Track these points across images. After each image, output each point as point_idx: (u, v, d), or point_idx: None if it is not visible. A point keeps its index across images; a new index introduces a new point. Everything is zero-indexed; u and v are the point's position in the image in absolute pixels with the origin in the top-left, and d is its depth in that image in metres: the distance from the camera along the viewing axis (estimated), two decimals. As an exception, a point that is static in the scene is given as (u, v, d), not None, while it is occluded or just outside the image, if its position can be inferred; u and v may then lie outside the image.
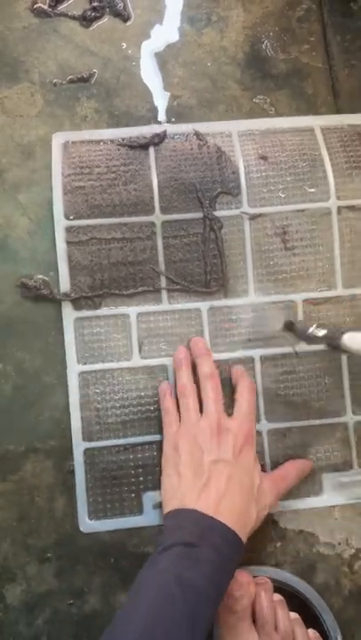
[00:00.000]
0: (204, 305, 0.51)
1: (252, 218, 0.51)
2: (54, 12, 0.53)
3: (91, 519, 0.49)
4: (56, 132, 0.51)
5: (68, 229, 0.50)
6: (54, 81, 0.52)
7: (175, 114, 0.53)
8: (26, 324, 0.50)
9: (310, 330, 0.47)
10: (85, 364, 0.50)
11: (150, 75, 0.53)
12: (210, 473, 0.44)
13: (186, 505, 0.43)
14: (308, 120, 0.53)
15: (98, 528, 0.49)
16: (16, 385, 0.49)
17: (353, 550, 0.50)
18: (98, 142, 0.51)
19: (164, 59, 0.54)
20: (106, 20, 0.54)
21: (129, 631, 0.36)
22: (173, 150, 0.51)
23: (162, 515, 0.46)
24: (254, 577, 0.46)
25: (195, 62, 0.54)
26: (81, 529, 0.49)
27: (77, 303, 0.50)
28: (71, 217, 0.50)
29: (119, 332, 0.50)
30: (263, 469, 0.48)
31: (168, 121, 0.53)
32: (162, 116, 0.53)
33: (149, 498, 0.49)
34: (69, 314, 0.50)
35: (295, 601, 0.47)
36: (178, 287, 0.50)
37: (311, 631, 0.45)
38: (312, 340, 0.47)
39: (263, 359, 0.51)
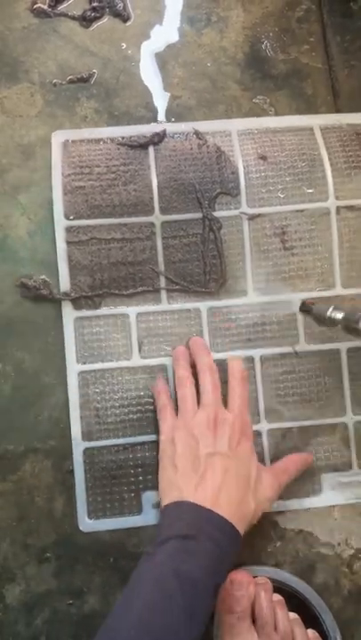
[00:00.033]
0: (203, 305, 0.51)
1: (251, 218, 0.51)
2: (54, 12, 0.53)
3: (90, 519, 0.49)
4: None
5: (68, 229, 0.50)
6: (54, 81, 0.52)
7: (175, 114, 0.53)
8: (25, 323, 0.50)
9: (329, 311, 0.45)
10: (85, 363, 0.50)
11: (150, 75, 0.53)
12: (206, 465, 0.44)
13: (183, 497, 0.43)
14: (307, 119, 0.53)
15: (97, 527, 0.49)
16: (16, 385, 0.49)
17: (352, 550, 0.50)
18: (98, 142, 0.51)
19: (163, 59, 0.54)
20: (106, 20, 0.54)
21: (126, 623, 0.36)
22: (173, 150, 0.52)
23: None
24: (254, 577, 0.46)
25: (194, 62, 0.54)
26: (80, 528, 0.49)
27: (77, 303, 0.50)
28: (71, 217, 0.50)
29: (119, 332, 0.50)
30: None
31: (168, 121, 0.53)
32: (161, 117, 0.53)
33: (149, 497, 0.49)
34: (69, 313, 0.50)
35: (295, 601, 0.47)
36: (177, 287, 0.50)
37: (311, 631, 0.45)
38: (330, 322, 0.45)
39: (263, 359, 0.51)
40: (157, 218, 0.51)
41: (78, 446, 0.49)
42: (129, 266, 0.50)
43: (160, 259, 0.51)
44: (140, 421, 0.50)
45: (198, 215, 0.51)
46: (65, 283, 0.50)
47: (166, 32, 0.54)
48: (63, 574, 0.48)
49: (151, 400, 0.50)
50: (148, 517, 0.49)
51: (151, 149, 0.51)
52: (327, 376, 0.51)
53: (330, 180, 0.51)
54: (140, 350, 0.50)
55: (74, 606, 0.48)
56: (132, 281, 0.50)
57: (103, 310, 0.50)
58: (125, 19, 0.54)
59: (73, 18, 0.53)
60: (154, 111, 0.53)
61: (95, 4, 0.53)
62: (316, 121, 0.53)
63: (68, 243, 0.50)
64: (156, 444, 0.49)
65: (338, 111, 0.54)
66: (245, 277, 0.51)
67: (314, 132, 0.53)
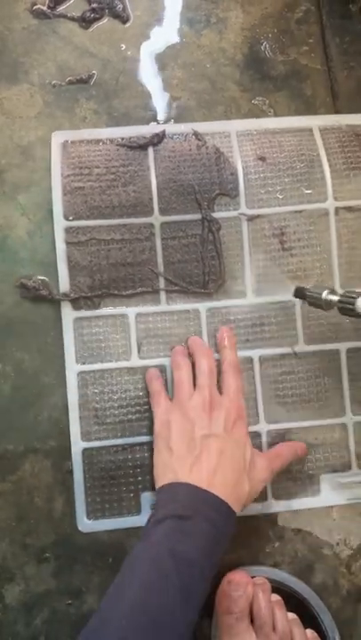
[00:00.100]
0: (202, 306, 0.51)
1: (250, 219, 0.51)
2: (53, 13, 0.53)
3: (89, 519, 0.49)
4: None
5: (68, 230, 0.50)
6: (53, 82, 0.53)
7: (174, 115, 0.53)
8: (25, 324, 0.50)
9: (324, 295, 0.45)
10: (84, 363, 0.50)
11: (149, 76, 0.53)
12: (202, 447, 0.44)
13: (179, 479, 0.43)
14: (306, 120, 0.53)
15: (96, 528, 0.49)
16: (15, 385, 0.50)
17: (351, 551, 0.50)
18: (97, 142, 0.51)
19: (163, 60, 0.54)
20: (105, 21, 0.54)
21: (122, 603, 0.36)
22: (172, 151, 0.52)
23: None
24: (252, 577, 0.46)
25: (194, 64, 0.54)
26: (79, 529, 0.49)
27: (77, 303, 0.50)
28: (70, 218, 0.50)
29: (118, 333, 0.50)
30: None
31: (167, 122, 0.53)
32: (161, 118, 0.53)
33: (147, 498, 0.49)
34: (68, 314, 0.50)
35: (293, 601, 0.47)
36: (176, 288, 0.51)
37: (309, 631, 0.45)
38: (326, 305, 0.45)
39: (262, 360, 0.51)
40: (157, 219, 0.51)
41: (77, 446, 0.49)
42: (128, 266, 0.50)
43: (159, 259, 0.51)
44: (138, 422, 0.50)
45: (197, 216, 0.51)
46: (64, 283, 0.50)
47: (166, 33, 0.54)
48: (62, 574, 0.49)
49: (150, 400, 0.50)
50: (146, 518, 0.49)
51: (150, 150, 0.51)
52: (326, 376, 0.51)
53: (329, 180, 0.52)
54: (139, 351, 0.50)
55: (73, 606, 0.48)
56: (132, 282, 0.50)
57: (102, 311, 0.50)
58: (125, 20, 0.54)
59: (72, 19, 0.53)
60: (153, 112, 0.53)
61: (94, 6, 0.53)
62: (315, 122, 0.53)
63: (68, 243, 0.50)
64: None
65: (337, 112, 0.54)
66: (244, 278, 0.51)
67: (313, 133, 0.53)
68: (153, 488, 0.49)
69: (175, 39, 0.54)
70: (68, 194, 0.50)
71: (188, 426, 0.45)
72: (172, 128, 0.52)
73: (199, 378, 0.47)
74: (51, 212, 0.50)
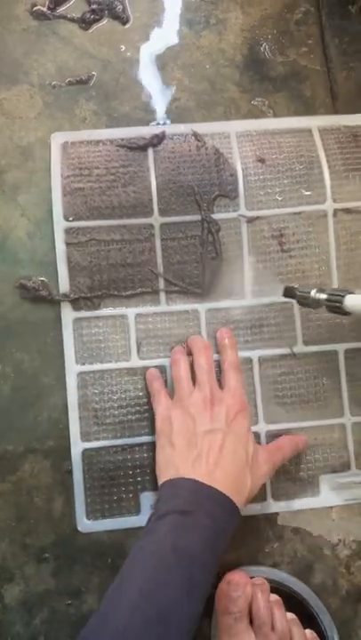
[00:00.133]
0: (201, 306, 0.51)
1: (250, 220, 0.51)
2: (53, 14, 0.53)
3: (89, 519, 0.49)
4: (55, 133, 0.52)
5: (68, 231, 0.50)
6: (53, 83, 0.53)
7: (174, 116, 0.53)
8: (25, 324, 0.50)
9: (312, 293, 0.45)
10: (84, 364, 0.50)
11: (149, 77, 0.53)
12: (203, 442, 0.44)
13: (181, 474, 0.43)
14: (306, 121, 0.53)
15: (96, 528, 0.49)
16: (15, 385, 0.50)
17: (350, 551, 0.50)
18: (97, 143, 0.52)
19: (162, 61, 0.54)
20: (105, 22, 0.54)
21: (125, 596, 0.37)
22: (172, 152, 0.52)
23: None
24: (251, 577, 0.46)
25: (193, 65, 0.54)
26: (79, 529, 0.49)
27: (76, 304, 0.50)
28: (70, 218, 0.50)
29: (118, 333, 0.50)
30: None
31: (167, 123, 0.53)
32: (161, 119, 0.53)
33: (147, 498, 0.49)
34: (68, 314, 0.50)
35: (292, 601, 0.47)
36: (176, 289, 0.51)
37: (308, 631, 0.45)
38: (314, 303, 0.45)
39: (261, 360, 0.51)
40: (156, 219, 0.51)
41: (77, 447, 0.49)
42: (128, 267, 0.51)
43: (159, 260, 0.51)
44: (138, 422, 0.50)
45: (197, 217, 0.51)
46: (64, 284, 0.50)
47: (165, 34, 0.54)
48: (62, 574, 0.49)
49: (150, 401, 0.50)
50: (146, 518, 0.49)
51: (150, 151, 0.51)
52: (325, 377, 0.51)
53: (328, 182, 0.52)
54: (138, 351, 0.50)
55: (72, 606, 0.48)
56: (131, 282, 0.51)
57: (102, 311, 0.50)
58: (125, 21, 0.54)
59: (72, 20, 0.53)
60: (153, 113, 0.53)
61: (94, 7, 0.53)
62: (314, 123, 0.53)
63: (68, 244, 0.50)
64: (154, 445, 0.49)
65: (336, 113, 0.54)
66: (243, 279, 0.51)
67: (312, 134, 0.53)
68: (153, 488, 0.49)
69: (175, 40, 0.54)
70: (68, 194, 0.50)
71: (189, 422, 0.45)
72: (171, 129, 0.52)
73: (198, 374, 0.47)
74: (50, 212, 0.50)
